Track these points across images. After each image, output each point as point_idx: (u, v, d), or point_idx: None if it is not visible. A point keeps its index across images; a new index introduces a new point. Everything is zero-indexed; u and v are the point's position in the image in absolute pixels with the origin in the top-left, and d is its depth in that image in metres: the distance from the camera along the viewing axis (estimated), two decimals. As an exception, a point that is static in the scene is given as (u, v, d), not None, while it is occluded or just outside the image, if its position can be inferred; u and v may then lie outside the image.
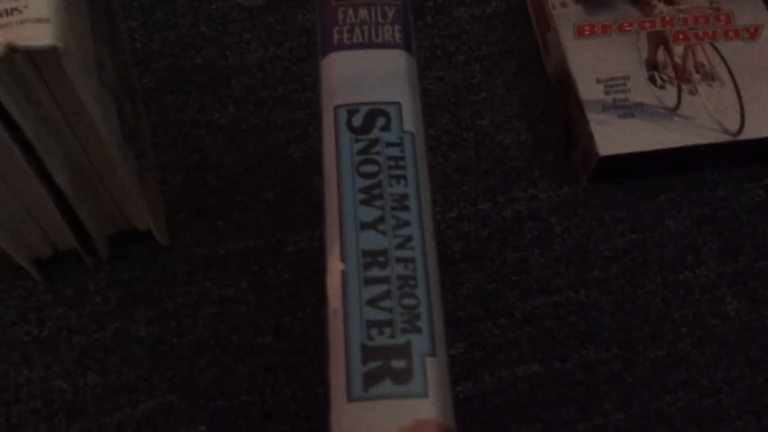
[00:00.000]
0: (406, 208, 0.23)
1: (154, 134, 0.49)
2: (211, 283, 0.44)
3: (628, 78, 0.48)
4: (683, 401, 0.42)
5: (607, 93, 0.47)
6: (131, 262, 0.44)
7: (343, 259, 0.22)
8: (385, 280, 0.22)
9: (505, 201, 0.48)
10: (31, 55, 0.30)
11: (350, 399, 0.20)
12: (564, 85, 0.49)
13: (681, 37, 0.49)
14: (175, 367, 0.42)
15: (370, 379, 0.20)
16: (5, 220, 0.38)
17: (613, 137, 0.46)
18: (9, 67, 0.30)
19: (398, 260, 0.22)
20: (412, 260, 0.22)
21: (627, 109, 0.47)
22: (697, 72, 0.48)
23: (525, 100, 0.51)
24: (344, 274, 0.22)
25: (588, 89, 0.47)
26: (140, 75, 0.51)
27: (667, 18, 0.50)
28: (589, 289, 0.45)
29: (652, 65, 0.48)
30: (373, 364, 0.20)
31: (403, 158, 0.24)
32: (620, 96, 0.47)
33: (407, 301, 0.22)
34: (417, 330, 0.21)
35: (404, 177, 0.24)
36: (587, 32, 0.49)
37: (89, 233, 0.41)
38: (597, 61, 0.48)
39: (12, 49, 0.29)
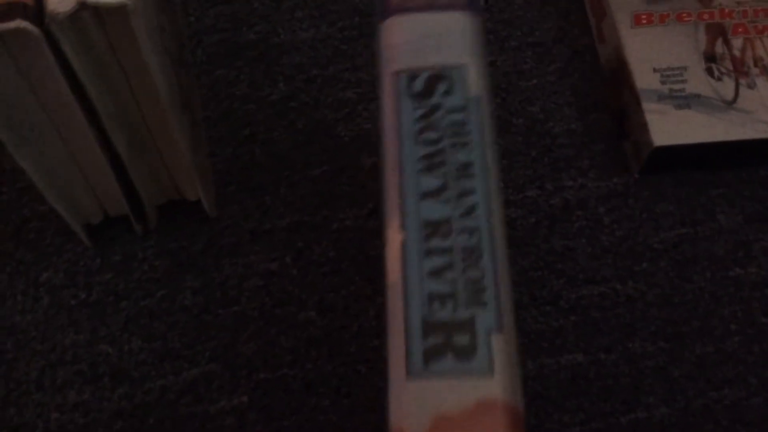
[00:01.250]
0: (471, 176, 0.22)
1: (204, 108, 0.49)
2: (257, 256, 0.44)
3: (686, 68, 0.47)
4: (730, 398, 0.41)
5: (663, 83, 0.46)
6: (179, 232, 0.45)
7: (403, 229, 0.21)
8: (447, 251, 0.21)
9: (554, 189, 0.47)
10: (100, 12, 0.30)
11: (409, 376, 0.19)
12: (618, 73, 0.48)
13: (740, 29, 0.48)
14: (218, 336, 0.42)
15: (431, 355, 0.19)
16: (62, 183, 0.39)
17: (668, 128, 0.45)
18: (76, 25, 0.30)
19: (462, 230, 0.21)
20: (476, 230, 0.21)
21: (683, 100, 0.46)
22: (756, 66, 0.47)
23: (576, 88, 0.50)
24: (404, 245, 0.21)
25: (644, 78, 0.46)
26: (193, 48, 0.51)
27: (726, 10, 0.49)
28: (636, 281, 0.44)
29: (709, 57, 0.47)
30: (434, 340, 0.20)
31: (467, 124, 0.23)
32: (677, 86, 0.46)
33: (471, 274, 0.21)
34: (482, 304, 0.20)
35: (468, 143, 0.23)
36: (644, 21, 0.48)
37: (141, 200, 0.41)
38: (654, 51, 0.47)
39: (82, 5, 0.29)
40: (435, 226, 0.21)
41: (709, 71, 0.47)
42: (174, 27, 0.43)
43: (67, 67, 0.31)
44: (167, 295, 0.43)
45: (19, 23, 0.29)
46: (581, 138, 0.49)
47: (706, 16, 0.49)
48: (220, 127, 0.48)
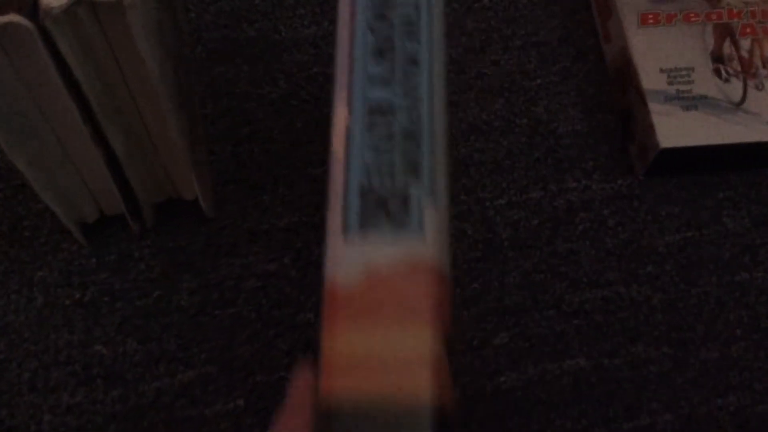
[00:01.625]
0: (416, 64, 0.24)
1: (203, 106, 0.48)
2: (255, 257, 0.43)
3: (693, 69, 0.46)
4: (735, 405, 0.41)
5: (670, 83, 0.46)
6: (176, 231, 0.44)
7: (349, 107, 0.23)
8: (388, 128, 0.22)
9: (557, 190, 0.46)
10: (96, 8, 0.30)
11: (346, 235, 0.21)
12: (624, 73, 0.47)
13: (748, 30, 0.48)
14: (215, 338, 0.41)
15: (367, 218, 0.21)
16: (57, 181, 0.38)
17: (675, 129, 0.44)
18: (71, 20, 0.30)
19: (404, 112, 0.23)
20: (418, 114, 0.23)
21: (690, 101, 0.45)
22: (764, 67, 0.46)
23: (581, 89, 0.50)
24: (349, 122, 0.22)
25: (650, 78, 0.46)
26: (192, 45, 0.50)
27: (735, 10, 0.48)
28: (640, 285, 0.44)
29: (717, 58, 0.47)
30: (371, 206, 0.21)
31: (417, 17, 0.24)
32: (684, 87, 0.45)
33: (410, 150, 0.22)
34: (418, 177, 0.21)
35: (417, 35, 0.24)
36: (651, 21, 0.48)
37: (138, 198, 0.41)
38: (660, 51, 0.47)
39: (77, 1, 0.28)
40: (379, 107, 0.23)
41: (717, 72, 0.46)
42: (174, 23, 0.42)
43: (62, 64, 0.31)
44: (163, 296, 0.42)
45: (12, 17, 0.28)
46: (586, 139, 0.48)
47: (713, 17, 0.48)
48: (219, 126, 0.47)
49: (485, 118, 0.49)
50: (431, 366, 0.19)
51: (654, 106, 0.45)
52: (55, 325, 0.41)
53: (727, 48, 0.47)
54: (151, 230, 0.44)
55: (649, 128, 0.44)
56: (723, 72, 0.46)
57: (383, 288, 0.20)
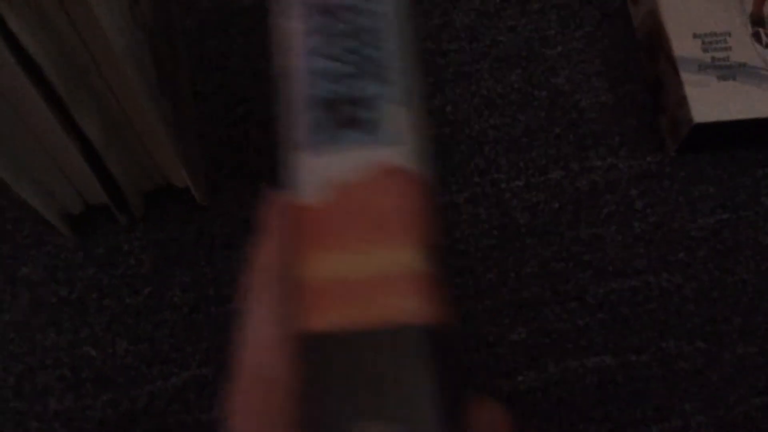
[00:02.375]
0: None
1: (194, 82, 0.45)
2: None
3: (729, 34, 0.42)
4: (775, 405, 0.37)
5: (704, 50, 0.41)
6: (167, 221, 0.41)
7: (302, 15, 0.20)
8: (352, 34, 0.20)
9: (580, 170, 0.43)
10: (51, -14, 0.26)
11: (309, 153, 0.19)
12: (654, 39, 0.43)
13: (793, -12, 0.43)
14: (210, 337, 0.38)
15: (331, 131, 0.19)
16: (29, 171, 0.35)
17: (710, 102, 0.40)
18: (29, 2, 0.26)
19: (366, 15, 0.21)
20: (381, 15, 0.20)
21: (727, 70, 0.41)
22: (811, 29, 0.42)
23: (607, 56, 0.45)
24: (304, 29, 0.20)
25: (683, 45, 0.41)
26: (182, 16, 0.47)
27: (777, -34, 0.44)
28: (671, 274, 0.40)
29: (757, 20, 0.42)
30: (335, 116, 0.19)
31: None
32: (720, 54, 0.41)
33: (376, 54, 0.20)
34: (383, 79, 0.20)
35: None
36: (684, -20, 0.43)
37: (122, 188, 0.38)
38: (694, 14, 0.42)
39: (28, -21, 0.25)
40: (338, 10, 0.21)
41: (757, 37, 0.42)
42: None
43: (19, 49, 0.27)
44: (154, 292, 0.39)
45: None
46: (611, 112, 0.44)
47: (753, -27, 0.43)
48: (212, 105, 0.44)
49: (500, 90, 0.45)
50: (418, 282, 0.17)
51: (687, 76, 0.41)
52: (41, 325, 0.39)
53: (769, 9, 0.42)
54: (140, 221, 0.41)
55: (682, 100, 0.40)
56: (764, 36, 0.42)
57: (356, 203, 0.18)
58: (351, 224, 0.18)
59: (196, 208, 0.41)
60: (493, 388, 0.38)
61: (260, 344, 0.19)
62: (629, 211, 0.41)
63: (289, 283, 0.18)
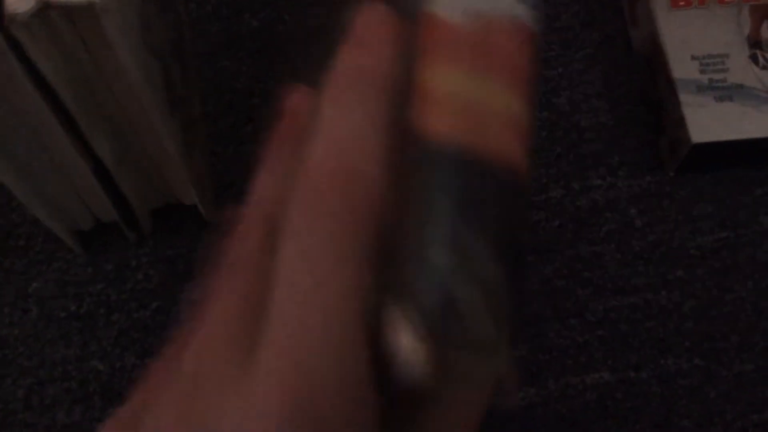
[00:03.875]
0: None
1: (205, 103, 0.46)
2: (258, 265, 0.41)
3: (727, 56, 0.43)
4: (773, 422, 0.38)
5: (702, 72, 0.42)
6: (176, 237, 0.42)
7: None
8: None
9: (580, 189, 0.43)
10: (69, 12, 0.27)
11: None
12: (653, 61, 0.44)
13: (790, 11, 0.44)
14: (216, 352, 0.39)
15: None
16: (45, 190, 0.36)
17: (708, 122, 0.41)
18: (45, 24, 0.27)
19: None
20: None
21: (724, 91, 0.42)
22: (808, 52, 0.43)
23: (607, 78, 0.46)
24: None
25: (681, 67, 0.42)
26: (194, 39, 0.48)
27: (775, -11, 0.44)
28: (670, 291, 0.41)
29: (754, 42, 0.43)
30: None
31: None
32: (717, 76, 0.42)
33: None
34: None
35: None
36: (682, 3, 0.44)
37: (131, 206, 0.39)
38: (692, 36, 0.43)
39: (45, 5, 0.26)
40: None
41: (754, 58, 0.43)
42: (167, 17, 0.39)
43: (35, 72, 0.28)
44: (162, 307, 0.40)
45: (-24, 24, 0.26)
46: (612, 132, 0.45)
47: (751, -3, 0.44)
48: (221, 124, 0.45)
49: (502, 111, 0.45)
50: (520, 128, 0.18)
51: (685, 97, 0.41)
52: (51, 339, 0.40)
53: (765, 31, 0.43)
54: (149, 237, 0.42)
55: (680, 121, 0.41)
56: (761, 58, 0.43)
57: (488, 36, 0.19)
58: (480, 54, 0.18)
59: (204, 224, 0.42)
60: (492, 403, 0.38)
61: (353, 134, 0.18)
62: (629, 229, 0.42)
63: (405, 86, 0.19)
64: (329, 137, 0.18)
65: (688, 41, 0.43)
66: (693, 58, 0.43)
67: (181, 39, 0.42)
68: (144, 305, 0.40)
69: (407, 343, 0.17)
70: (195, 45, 0.47)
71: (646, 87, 0.45)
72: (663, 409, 0.38)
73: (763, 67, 0.42)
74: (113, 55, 0.29)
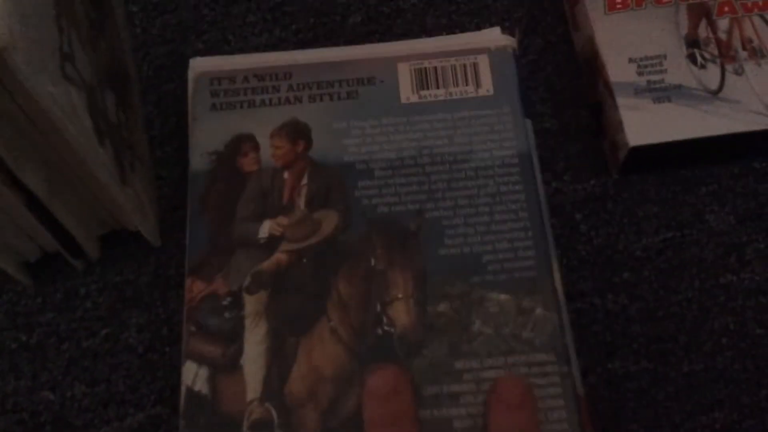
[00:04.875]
0: None
1: (151, 126, 0.46)
2: (206, 287, 0.41)
3: (665, 57, 0.43)
4: (721, 422, 0.38)
5: (640, 74, 0.42)
6: (123, 263, 0.42)
7: None
8: None
9: (526, 195, 0.43)
10: (-25, 52, 0.27)
11: None
12: (592, 65, 0.44)
13: (726, 9, 0.44)
14: (165, 376, 0.39)
15: None
16: (-20, 225, 0.36)
17: (646, 125, 0.41)
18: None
19: None
20: None
21: (662, 93, 0.42)
22: (744, 49, 0.43)
23: (550, 83, 0.46)
24: None
25: (618, 70, 0.42)
26: (139, 62, 0.48)
27: (713, -13, 0.44)
28: (617, 295, 0.41)
29: (692, 42, 0.43)
30: None
31: None
32: (655, 77, 0.42)
33: None
34: None
35: None
36: (619, 5, 0.44)
37: (73, 236, 0.39)
38: (629, 38, 0.43)
39: (-53, 48, 0.26)
40: None
41: (692, 58, 0.43)
42: (101, 44, 0.40)
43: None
44: (111, 334, 0.40)
45: None
46: (556, 138, 0.45)
47: (688, -4, 0.44)
48: (167, 147, 0.45)
49: (447, 121, 0.46)
50: None
51: (622, 100, 0.41)
52: (2, 371, 0.40)
53: (703, 30, 0.43)
54: (97, 264, 0.42)
55: (618, 125, 0.41)
56: (699, 57, 0.43)
57: None
58: None
59: (151, 250, 0.42)
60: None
61: None
62: (574, 234, 0.42)
63: None
64: None
65: (626, 44, 0.43)
66: (630, 60, 0.43)
67: (119, 64, 0.43)
68: (93, 333, 0.40)
69: None
70: (139, 68, 0.48)
71: (588, 91, 0.45)
72: (611, 413, 0.38)
73: (701, 66, 0.42)
74: (27, 89, 0.29)
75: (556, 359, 0.34)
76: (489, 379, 0.33)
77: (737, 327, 0.40)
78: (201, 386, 0.34)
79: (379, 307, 0.35)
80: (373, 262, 0.36)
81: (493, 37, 0.42)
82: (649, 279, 0.41)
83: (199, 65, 0.42)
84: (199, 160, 0.40)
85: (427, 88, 0.40)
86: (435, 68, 0.40)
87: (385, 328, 0.34)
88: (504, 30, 0.43)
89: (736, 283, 0.41)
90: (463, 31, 0.48)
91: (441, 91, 0.40)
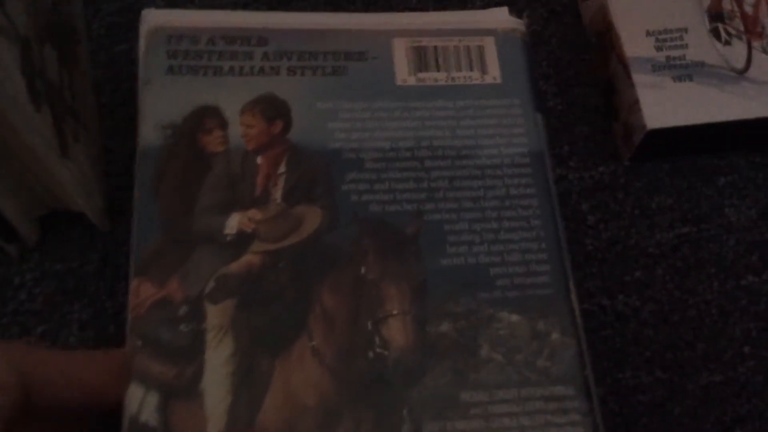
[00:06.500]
0: None
1: (101, 91, 0.40)
2: (162, 278, 0.36)
3: (686, 30, 0.38)
4: (743, 441, 0.34)
5: (659, 49, 0.38)
6: (66, 249, 0.36)
7: None
8: None
9: (527, 182, 0.39)
10: None
11: None
12: (604, 38, 0.40)
13: (753, -20, 0.40)
14: (111, 382, 0.34)
15: None
16: None
17: (665, 106, 0.37)
18: None
19: None
20: None
21: (683, 70, 0.37)
22: (773, 24, 0.39)
23: (555, 57, 0.42)
24: None
25: (634, 43, 0.38)
26: (89, 18, 0.42)
27: (736, -44, 0.40)
28: (627, 296, 0.36)
29: (715, 15, 0.39)
30: None
31: None
32: (675, 53, 0.38)
33: None
34: None
35: None
36: (636, -27, 0.40)
37: (6, 217, 0.33)
38: (647, 9, 0.39)
39: None
40: None
41: (715, 33, 0.38)
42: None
43: None
44: (49, 331, 0.35)
45: None
46: (560, 119, 0.40)
47: (710, -36, 0.40)
48: (119, 116, 0.40)
49: (440, 96, 0.41)
50: None
51: (639, 78, 0.37)
52: None
53: (728, 3, 0.39)
54: (34, 249, 0.36)
55: (634, 105, 0.37)
56: (722, 33, 0.38)
57: None
58: None
59: (98, 234, 0.37)
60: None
61: None
62: (581, 227, 0.38)
63: None
64: None
65: (642, 15, 0.39)
66: (648, 33, 0.38)
67: (63, 15, 0.37)
68: (27, 330, 0.35)
69: None
70: (89, 26, 0.42)
71: (598, 67, 0.41)
72: (621, 429, 0.34)
73: (726, 42, 0.38)
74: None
75: (575, 393, 0.29)
76: (500, 415, 0.28)
77: (760, 333, 0.36)
78: (148, 416, 0.27)
79: (370, 325, 0.29)
80: (363, 270, 0.30)
81: (501, 18, 0.36)
82: (663, 278, 0.37)
83: (153, 18, 0.35)
84: (150, 133, 0.32)
85: (426, 70, 0.35)
86: (435, 47, 0.35)
87: (378, 350, 0.28)
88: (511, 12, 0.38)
89: (758, 284, 0.37)
90: (461, 7, 0.43)
91: (442, 75, 0.34)
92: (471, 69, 0.34)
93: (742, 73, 0.37)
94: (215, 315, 0.29)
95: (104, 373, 0.24)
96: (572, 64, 0.42)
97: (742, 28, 0.38)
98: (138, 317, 0.29)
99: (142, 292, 0.29)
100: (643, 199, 0.38)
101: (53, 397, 0.22)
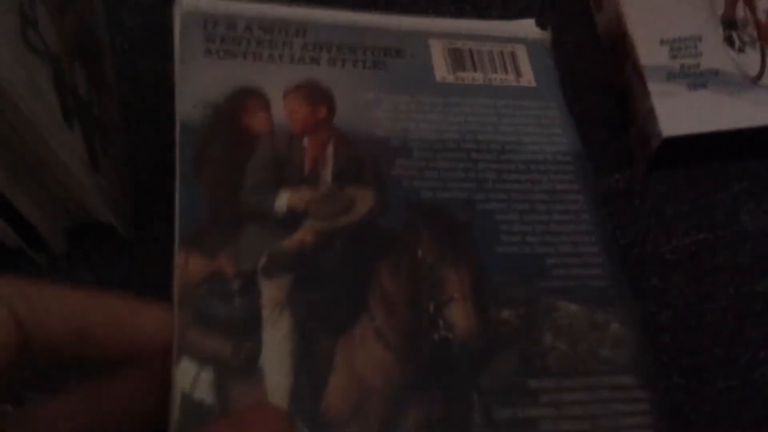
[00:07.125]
0: None
1: (126, 106, 0.41)
2: (188, 287, 0.37)
3: (700, 38, 0.39)
4: (761, 445, 0.34)
5: (673, 57, 0.38)
6: (94, 259, 0.37)
7: None
8: None
9: (544, 189, 0.39)
10: None
11: None
12: (619, 46, 0.40)
13: (767, -13, 0.40)
14: (140, 389, 0.35)
15: None
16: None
17: (680, 113, 0.37)
18: None
19: None
20: None
21: (698, 78, 0.38)
22: (787, 32, 0.39)
23: (570, 65, 0.42)
24: None
25: (649, 52, 0.38)
26: (113, 34, 0.43)
27: (749, -36, 0.41)
28: (644, 301, 0.37)
29: (729, 23, 0.39)
30: None
31: None
32: (690, 61, 0.38)
33: None
34: None
35: None
36: (650, -18, 0.40)
37: (37, 228, 0.34)
38: (661, 18, 0.39)
39: None
40: None
41: (729, 40, 0.39)
42: (72, 10, 0.35)
43: None
44: (79, 340, 0.36)
45: None
46: (577, 126, 0.41)
47: (724, -27, 0.40)
48: (144, 129, 0.40)
49: (457, 106, 0.41)
50: None
51: (654, 86, 0.37)
52: (-48, 380, 0.35)
53: (741, 10, 0.39)
54: (64, 260, 0.37)
55: (650, 113, 0.37)
56: (736, 40, 0.39)
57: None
58: None
59: (124, 245, 0.38)
60: None
61: None
62: (597, 233, 0.38)
63: None
64: None
65: (657, 24, 0.39)
66: (662, 42, 0.39)
67: (90, 34, 0.38)
68: (58, 338, 0.36)
69: None
70: (114, 41, 0.43)
71: (613, 75, 0.41)
72: (640, 434, 0.34)
73: (740, 50, 0.38)
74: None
75: (642, 383, 0.28)
76: (570, 403, 0.27)
77: (776, 339, 0.36)
78: (204, 393, 0.25)
79: (432, 308, 0.28)
80: (420, 254, 0.29)
81: (528, 28, 0.37)
82: (679, 285, 0.37)
83: (187, 2, 0.34)
84: (190, 111, 0.31)
85: (464, 70, 0.35)
86: (470, 50, 0.35)
87: (442, 333, 0.28)
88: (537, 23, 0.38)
89: (774, 290, 0.37)
90: (474, 8, 0.44)
91: (479, 75, 0.35)
92: (506, 72, 0.35)
93: (756, 80, 0.38)
94: (271, 290, 0.28)
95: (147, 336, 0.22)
96: (587, 72, 0.42)
97: (755, 35, 0.39)
98: (187, 291, 0.27)
99: (190, 265, 0.28)
100: (659, 205, 0.39)
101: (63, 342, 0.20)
